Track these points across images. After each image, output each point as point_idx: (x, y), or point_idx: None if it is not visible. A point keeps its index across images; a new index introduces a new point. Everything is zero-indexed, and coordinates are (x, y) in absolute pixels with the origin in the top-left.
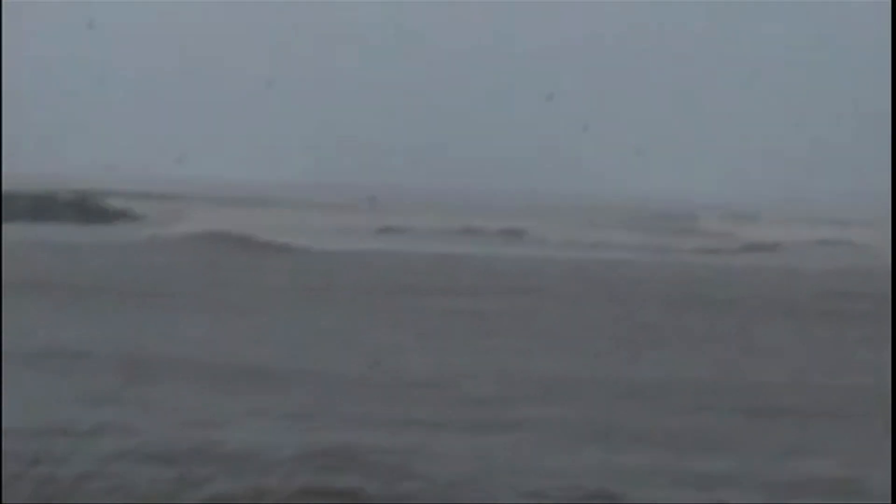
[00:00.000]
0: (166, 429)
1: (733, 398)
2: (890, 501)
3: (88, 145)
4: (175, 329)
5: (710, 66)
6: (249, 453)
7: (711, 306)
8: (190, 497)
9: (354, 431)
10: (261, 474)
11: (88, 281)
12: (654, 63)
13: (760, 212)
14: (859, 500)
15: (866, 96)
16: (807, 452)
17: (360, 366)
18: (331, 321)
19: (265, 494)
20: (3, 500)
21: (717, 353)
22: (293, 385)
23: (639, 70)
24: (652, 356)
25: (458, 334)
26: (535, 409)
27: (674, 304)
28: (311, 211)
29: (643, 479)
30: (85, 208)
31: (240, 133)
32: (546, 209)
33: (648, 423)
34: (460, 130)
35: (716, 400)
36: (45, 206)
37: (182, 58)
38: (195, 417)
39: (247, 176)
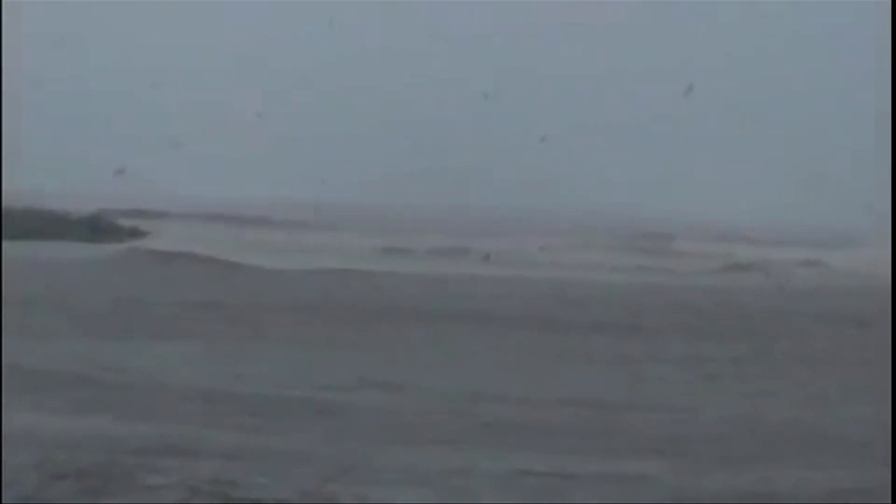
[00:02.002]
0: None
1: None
2: (890, 501)
3: (93, 164)
4: (146, 353)
5: (693, 75)
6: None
7: (667, 327)
8: None
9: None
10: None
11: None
12: (631, 72)
13: (748, 232)
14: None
15: (863, 112)
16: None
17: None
18: (312, 342)
19: None
20: (3, 501)
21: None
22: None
23: (614, 79)
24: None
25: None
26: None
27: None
28: (300, 230)
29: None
30: (97, 226)
31: (238, 155)
32: (515, 228)
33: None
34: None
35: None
36: (57, 224)
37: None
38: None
39: (247, 195)
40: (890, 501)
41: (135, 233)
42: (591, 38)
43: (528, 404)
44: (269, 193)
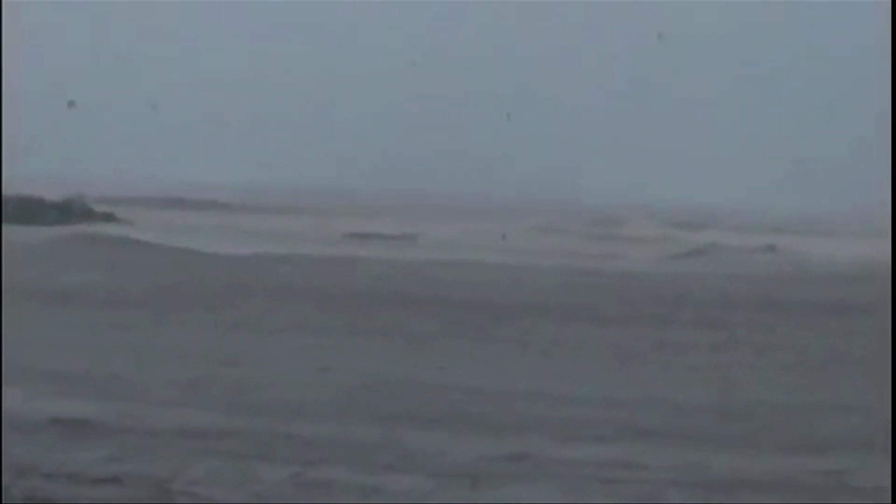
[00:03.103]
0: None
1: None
2: (890, 501)
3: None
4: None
5: (658, 53)
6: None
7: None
8: None
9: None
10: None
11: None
12: (591, 54)
13: (710, 218)
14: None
15: (840, 98)
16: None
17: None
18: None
19: None
20: (3, 501)
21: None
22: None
23: (579, 57)
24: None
25: None
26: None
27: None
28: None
29: None
30: (70, 211)
31: (217, 141)
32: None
33: None
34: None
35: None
36: (31, 209)
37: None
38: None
39: (241, 180)
40: (890, 501)
41: (109, 218)
42: (551, 21)
43: (498, 393)
44: (233, 179)
